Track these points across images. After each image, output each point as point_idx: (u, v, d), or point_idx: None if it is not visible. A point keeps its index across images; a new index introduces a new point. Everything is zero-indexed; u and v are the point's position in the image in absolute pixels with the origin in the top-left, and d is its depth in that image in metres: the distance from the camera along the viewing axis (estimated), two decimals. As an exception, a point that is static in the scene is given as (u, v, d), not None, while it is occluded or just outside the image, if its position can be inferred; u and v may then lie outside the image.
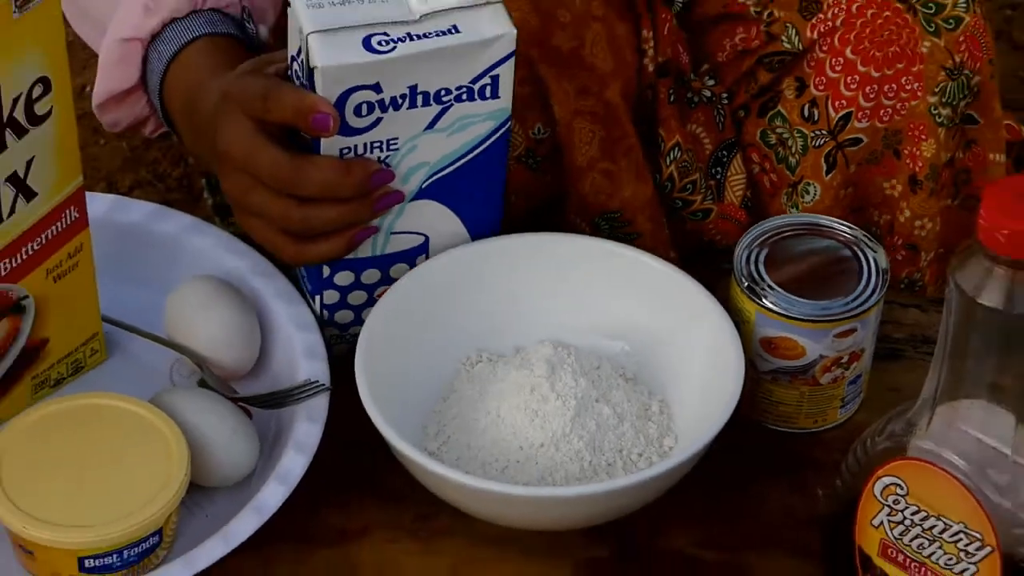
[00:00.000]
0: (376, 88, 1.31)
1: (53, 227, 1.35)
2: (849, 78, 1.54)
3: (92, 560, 1.26)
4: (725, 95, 1.60)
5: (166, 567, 1.27)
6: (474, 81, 1.33)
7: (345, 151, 1.33)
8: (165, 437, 1.32)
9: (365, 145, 1.34)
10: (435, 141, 1.35)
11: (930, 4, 1.53)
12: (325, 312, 1.43)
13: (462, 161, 1.37)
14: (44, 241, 1.35)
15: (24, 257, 1.34)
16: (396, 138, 1.34)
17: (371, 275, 1.40)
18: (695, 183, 1.59)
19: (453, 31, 1.31)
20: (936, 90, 1.53)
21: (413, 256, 1.41)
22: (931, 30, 1.52)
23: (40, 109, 1.29)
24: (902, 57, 1.53)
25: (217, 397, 1.38)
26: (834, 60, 1.54)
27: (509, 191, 1.51)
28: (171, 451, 1.31)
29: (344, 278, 1.41)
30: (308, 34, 1.30)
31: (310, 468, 1.33)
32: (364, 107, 1.31)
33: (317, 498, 1.35)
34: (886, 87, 1.53)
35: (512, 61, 1.33)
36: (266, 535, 1.29)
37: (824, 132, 1.56)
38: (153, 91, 1.48)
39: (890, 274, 1.38)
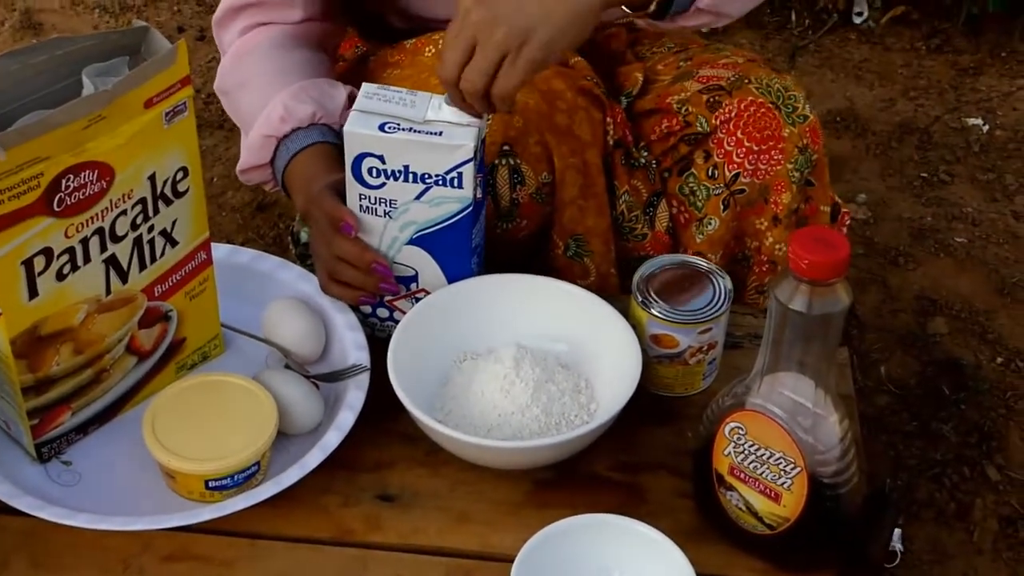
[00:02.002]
0: (381, 159, 1.31)
1: (189, 264, 1.35)
2: (739, 150, 1.53)
3: (214, 482, 1.26)
4: (655, 162, 1.59)
5: (263, 486, 1.27)
6: (447, 173, 1.31)
7: (363, 199, 1.34)
8: (261, 401, 1.31)
9: (375, 199, 1.34)
10: (421, 209, 1.35)
11: (788, 106, 1.53)
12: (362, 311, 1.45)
13: (439, 226, 1.36)
14: (183, 274, 1.34)
15: (170, 284, 1.33)
16: (396, 200, 1.34)
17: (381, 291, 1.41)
18: (637, 216, 1.58)
19: (438, 135, 1.30)
20: (792, 161, 1.53)
21: (407, 282, 1.40)
22: (789, 123, 1.52)
23: (181, 187, 1.29)
24: (772, 138, 1.52)
25: (296, 375, 1.38)
26: (729, 139, 1.53)
27: (522, 216, 1.52)
28: (265, 410, 1.30)
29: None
30: (352, 111, 1.32)
31: (357, 421, 1.33)
32: (373, 171, 1.32)
33: (362, 441, 1.34)
34: (762, 157, 1.53)
35: (471, 164, 1.31)
36: (327, 465, 1.29)
37: (721, 185, 1.55)
38: (278, 170, 1.51)
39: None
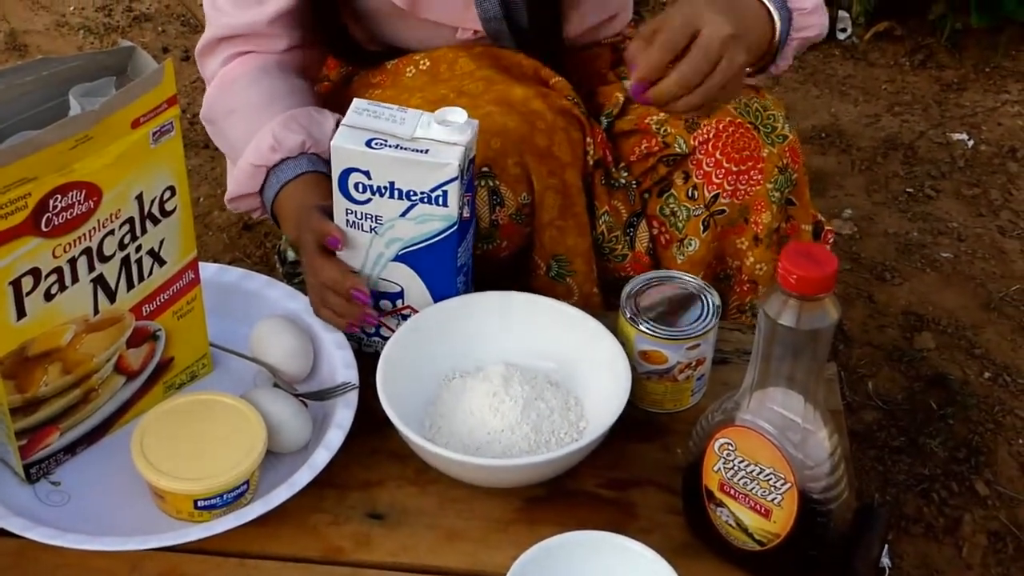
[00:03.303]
0: (367, 175, 1.31)
1: (177, 284, 1.34)
2: (718, 171, 1.54)
3: (203, 501, 1.26)
4: (635, 182, 1.59)
5: (251, 506, 1.26)
6: (432, 191, 1.31)
7: (349, 214, 1.34)
8: (250, 420, 1.31)
9: (361, 214, 1.34)
10: (407, 226, 1.34)
11: (767, 126, 1.53)
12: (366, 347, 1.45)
13: (424, 243, 1.35)
14: (171, 293, 1.34)
15: (158, 303, 1.33)
16: (381, 216, 1.34)
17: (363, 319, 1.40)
18: (617, 236, 1.58)
19: (424, 152, 1.30)
20: (772, 181, 1.53)
21: (393, 298, 1.41)
22: (768, 143, 1.53)
23: (168, 207, 1.29)
24: (750, 159, 1.53)
25: (285, 394, 1.38)
26: (708, 159, 1.54)
27: (502, 237, 1.52)
28: (254, 429, 1.30)
29: None
30: (341, 125, 1.32)
31: (346, 440, 1.32)
32: (360, 186, 1.32)
33: (351, 459, 1.34)
34: (741, 177, 1.54)
35: (457, 183, 1.30)
36: (317, 484, 1.28)
37: (701, 206, 1.55)
38: (267, 199, 1.52)
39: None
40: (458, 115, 1.32)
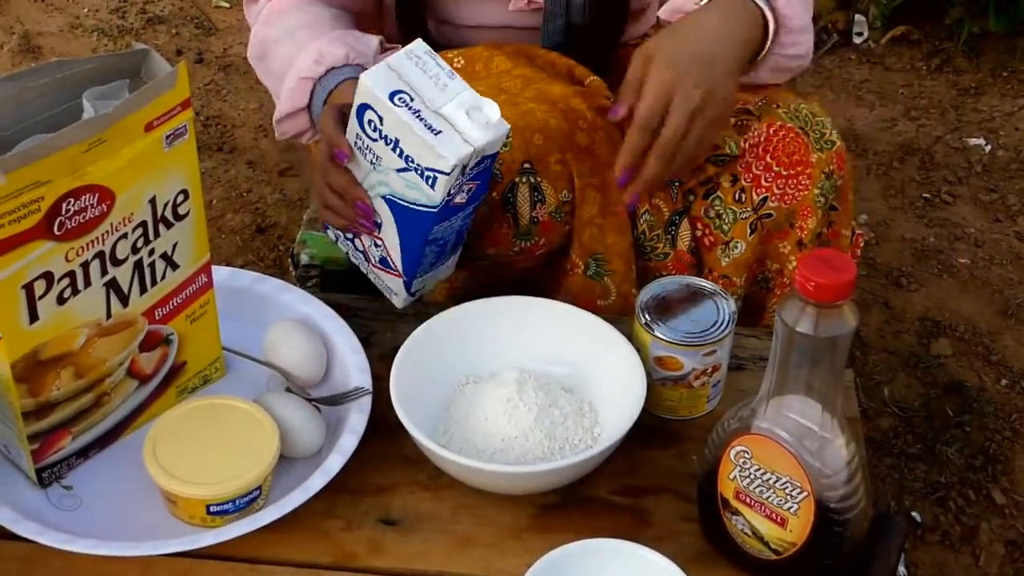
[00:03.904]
0: (380, 120, 1.30)
1: (190, 287, 1.34)
2: (767, 175, 1.53)
3: (215, 506, 1.25)
4: (678, 181, 1.58)
5: (264, 511, 1.26)
6: (426, 169, 1.29)
7: (358, 139, 1.34)
8: (263, 425, 1.31)
9: (367, 147, 1.33)
10: (398, 181, 1.33)
11: (816, 131, 1.53)
12: (342, 245, 1.48)
13: (408, 205, 1.34)
14: (184, 297, 1.34)
15: (171, 307, 1.33)
16: (381, 159, 1.33)
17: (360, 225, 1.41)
18: (658, 235, 1.58)
19: (435, 133, 1.27)
20: (818, 186, 1.53)
21: (375, 226, 1.40)
22: (817, 148, 1.53)
23: (182, 210, 1.28)
24: (800, 163, 1.52)
25: (298, 399, 1.37)
26: (758, 163, 1.54)
27: (540, 234, 1.52)
28: (267, 434, 1.30)
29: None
30: (383, 62, 1.31)
31: (359, 445, 1.32)
32: (372, 124, 1.31)
33: (364, 465, 1.33)
34: (790, 182, 1.53)
35: (447, 178, 1.28)
36: (330, 489, 1.28)
37: (749, 209, 1.55)
38: (316, 114, 1.52)
39: (733, 303, 1.38)
40: (492, 111, 1.29)
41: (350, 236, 1.46)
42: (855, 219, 1.65)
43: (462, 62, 1.60)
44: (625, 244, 1.55)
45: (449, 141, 1.27)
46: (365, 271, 1.50)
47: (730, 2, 1.45)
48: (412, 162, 1.29)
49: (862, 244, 1.68)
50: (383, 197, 1.36)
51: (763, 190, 1.54)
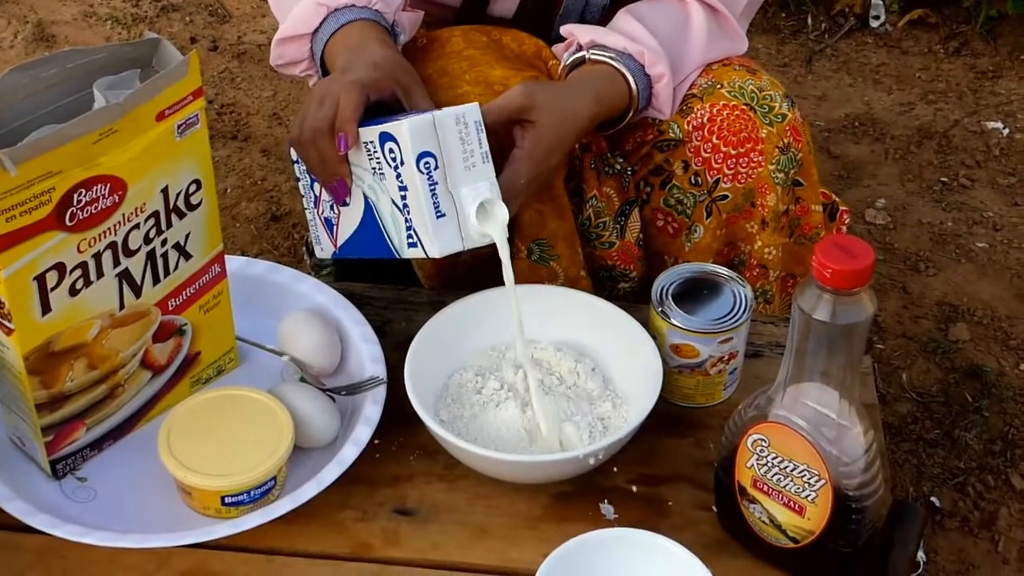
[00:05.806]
0: (401, 162, 1.29)
1: (203, 277, 1.34)
2: (716, 156, 1.52)
3: (230, 498, 1.25)
4: (630, 169, 1.58)
5: (279, 502, 1.26)
6: (414, 231, 1.31)
7: (370, 144, 1.32)
8: (277, 415, 1.30)
9: (375, 155, 1.32)
10: (387, 205, 1.33)
11: (764, 106, 1.51)
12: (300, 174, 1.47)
13: (379, 224, 1.36)
14: (197, 287, 1.34)
15: (184, 297, 1.33)
16: (385, 179, 1.32)
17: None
18: (605, 223, 1.56)
19: (439, 213, 1.29)
20: (774, 162, 1.51)
21: (340, 196, 1.39)
22: (766, 123, 1.51)
23: (194, 200, 1.28)
24: (748, 140, 1.51)
25: (312, 389, 1.37)
26: (705, 145, 1.52)
27: None
28: (281, 424, 1.29)
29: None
30: (433, 114, 1.28)
31: (374, 435, 1.32)
32: (391, 153, 1.30)
33: (379, 455, 1.33)
34: (740, 160, 1.52)
35: (424, 254, 1.31)
36: (345, 480, 1.28)
37: (704, 192, 1.54)
38: (319, 43, 1.47)
39: (752, 285, 1.37)
40: (501, 213, 1.31)
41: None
42: (833, 195, 1.62)
43: (424, 42, 1.59)
44: (568, 228, 1.53)
45: (444, 232, 1.29)
46: (305, 206, 1.49)
47: (609, 92, 1.47)
48: (408, 213, 1.31)
49: (847, 220, 1.66)
50: (365, 196, 1.36)
51: (715, 172, 1.53)
